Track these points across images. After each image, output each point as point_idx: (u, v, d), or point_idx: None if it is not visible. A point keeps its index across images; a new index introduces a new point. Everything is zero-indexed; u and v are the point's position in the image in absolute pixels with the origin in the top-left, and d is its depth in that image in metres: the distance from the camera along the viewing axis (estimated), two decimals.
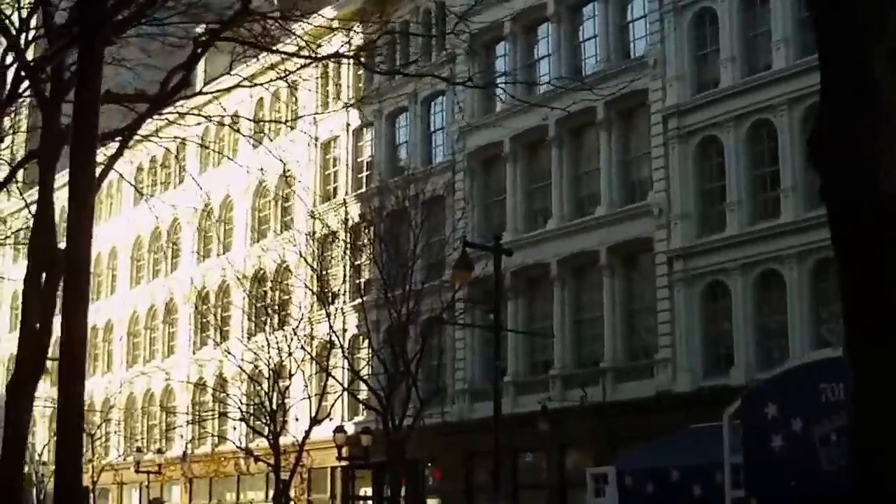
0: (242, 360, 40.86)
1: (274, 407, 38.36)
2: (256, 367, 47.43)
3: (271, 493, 48.86)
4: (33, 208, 20.11)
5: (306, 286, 40.25)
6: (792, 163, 32.43)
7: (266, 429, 38.63)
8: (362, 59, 19.00)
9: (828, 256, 31.63)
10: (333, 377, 37.98)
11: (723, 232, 33.74)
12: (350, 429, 42.67)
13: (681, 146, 35.05)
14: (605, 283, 36.59)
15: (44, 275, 18.22)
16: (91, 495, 56.72)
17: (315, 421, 37.13)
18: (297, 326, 38.76)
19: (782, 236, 32.34)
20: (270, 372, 39.36)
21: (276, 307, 42.39)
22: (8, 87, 18.96)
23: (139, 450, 52.09)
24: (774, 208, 33.11)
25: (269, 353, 39.25)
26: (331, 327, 37.31)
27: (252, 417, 40.12)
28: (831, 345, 26.51)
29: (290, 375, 39.07)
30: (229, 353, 39.85)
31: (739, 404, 27.35)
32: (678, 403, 33.06)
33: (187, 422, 49.34)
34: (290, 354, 38.45)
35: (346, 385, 38.90)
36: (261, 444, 45.99)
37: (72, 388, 9.10)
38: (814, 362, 26.81)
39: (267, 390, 38.91)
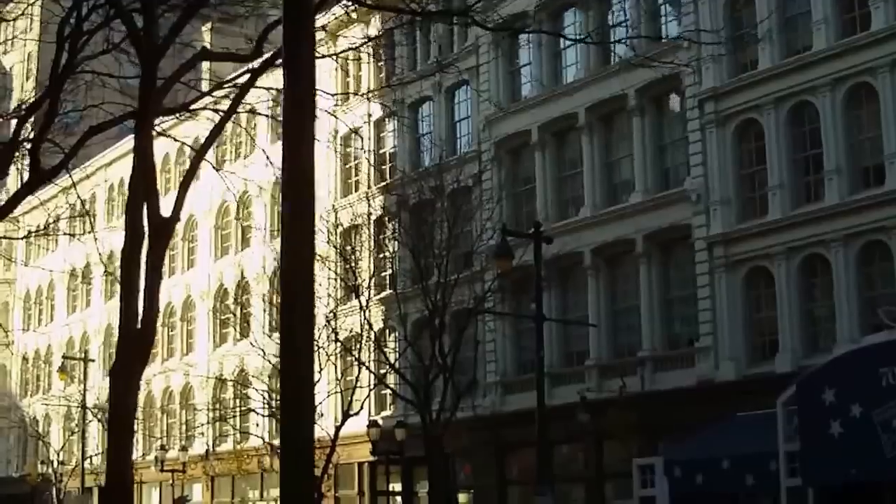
0: (267, 354, 39.98)
1: None
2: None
3: None
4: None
5: (339, 277, 39.41)
6: (835, 145, 31.74)
7: None
8: (475, 17, 18.08)
9: (874, 239, 31.14)
10: (369, 369, 37.26)
11: (765, 216, 33.01)
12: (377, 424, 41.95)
13: (718, 130, 34.33)
14: (642, 272, 35.89)
15: (145, 244, 17.03)
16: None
17: (347, 415, 36.37)
18: (329, 318, 37.89)
19: (827, 220, 31.61)
20: None
21: None
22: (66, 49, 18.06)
23: (163, 447, 51.31)
24: (818, 191, 32.41)
25: None
26: (364, 316, 36.65)
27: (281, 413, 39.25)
28: (887, 328, 25.83)
29: (320, 369, 38.21)
30: (258, 347, 38.92)
31: (794, 390, 26.73)
32: (721, 392, 32.40)
33: (213, 419, 48.48)
34: (318, 348, 37.58)
35: (377, 379, 38.15)
36: None
37: (300, 333, 8.05)
38: (872, 345, 26.18)
39: None
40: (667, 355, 35.26)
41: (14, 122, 21.12)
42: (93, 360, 58.45)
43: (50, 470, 59.38)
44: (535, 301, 30.22)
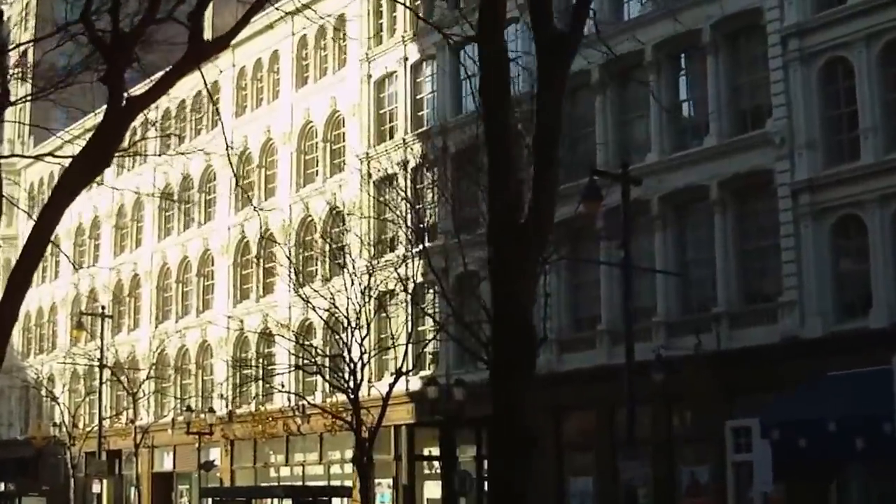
0: (314, 307, 37.54)
1: (355, 359, 35.09)
2: (308, 319, 44.42)
3: (325, 455, 45.88)
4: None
5: (405, 223, 36.78)
6: None
7: (345, 384, 35.34)
8: None
9: None
10: (436, 321, 34.84)
11: (856, 161, 30.60)
12: (416, 383, 39.59)
13: (802, 69, 31.87)
14: (717, 221, 33.43)
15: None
16: (135, 459, 53.70)
17: (400, 373, 33.94)
18: (397, 263, 35.37)
19: None
20: (348, 322, 35.99)
21: (351, 251, 38.90)
22: None
23: (189, 409, 48.68)
24: None
25: (347, 297, 35.88)
26: (428, 264, 34.27)
27: (329, 371, 36.88)
28: None
29: (368, 324, 35.87)
30: (308, 301, 36.30)
31: None
32: (808, 350, 30.09)
33: (237, 380, 45.90)
34: (366, 301, 35.18)
35: (441, 330, 35.75)
36: (313, 400, 42.97)
37: None
38: None
39: (346, 341, 35.62)
40: (745, 311, 32.83)
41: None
42: (110, 317, 55.75)
43: (63, 432, 56.67)
44: (623, 247, 27.92)
